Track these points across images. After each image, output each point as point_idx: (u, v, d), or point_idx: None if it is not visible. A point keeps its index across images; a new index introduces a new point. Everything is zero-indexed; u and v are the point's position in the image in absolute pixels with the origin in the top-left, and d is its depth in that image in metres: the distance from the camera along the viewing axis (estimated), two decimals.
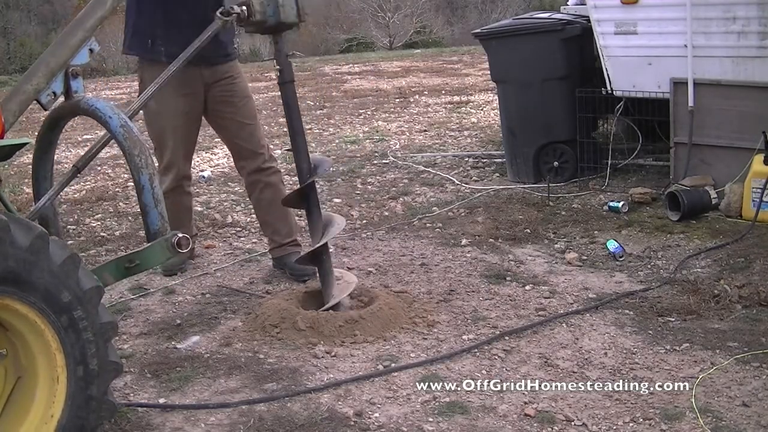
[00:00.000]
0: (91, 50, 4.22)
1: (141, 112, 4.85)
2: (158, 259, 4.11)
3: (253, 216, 7.44)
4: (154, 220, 4.03)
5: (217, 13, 4.68)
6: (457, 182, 8.43)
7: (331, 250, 5.42)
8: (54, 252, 3.16)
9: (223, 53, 5.78)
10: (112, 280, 4.07)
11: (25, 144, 3.90)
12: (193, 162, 9.75)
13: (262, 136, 6.08)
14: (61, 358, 3.22)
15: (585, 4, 7.76)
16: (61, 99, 4.20)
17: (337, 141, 10.95)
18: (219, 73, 5.78)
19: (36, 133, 4.41)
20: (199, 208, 7.69)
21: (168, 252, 4.04)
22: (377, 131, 11.59)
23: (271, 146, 10.26)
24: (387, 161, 9.59)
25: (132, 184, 8.74)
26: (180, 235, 4.04)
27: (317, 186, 5.36)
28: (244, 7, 4.73)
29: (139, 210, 7.42)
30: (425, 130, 11.52)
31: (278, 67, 5.03)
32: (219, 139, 11.15)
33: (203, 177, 8.88)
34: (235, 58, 6.00)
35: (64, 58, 4.10)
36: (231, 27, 5.29)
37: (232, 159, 6.90)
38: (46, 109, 4.17)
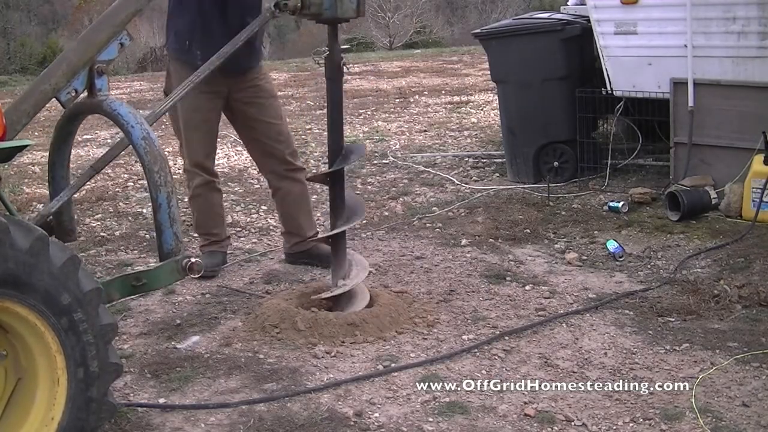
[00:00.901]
0: (121, 44, 4.13)
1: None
2: (167, 280, 4.10)
3: (253, 216, 7.46)
4: (168, 239, 4.01)
5: (269, 5, 4.64)
6: (457, 182, 8.43)
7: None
8: (54, 254, 3.16)
9: (255, 58, 5.82)
10: (118, 296, 4.06)
11: (26, 146, 3.89)
12: None
13: (290, 135, 6.11)
14: (61, 360, 3.22)
15: (585, 4, 7.76)
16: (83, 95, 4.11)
17: None
18: (247, 77, 5.80)
19: (36, 134, 4.40)
20: None
21: (178, 274, 4.03)
22: (377, 131, 11.60)
23: None
24: (387, 161, 9.59)
25: (132, 184, 8.78)
26: (193, 259, 4.03)
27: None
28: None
29: (139, 210, 7.46)
30: (425, 130, 11.53)
31: (324, 58, 4.94)
32: (219, 139, 11.19)
33: None
34: (261, 59, 6.02)
35: (88, 55, 4.00)
36: (262, 30, 5.31)
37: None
38: (65, 108, 4.09)
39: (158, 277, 4.01)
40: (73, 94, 4.02)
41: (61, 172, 4.33)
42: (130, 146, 4.03)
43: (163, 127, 12.55)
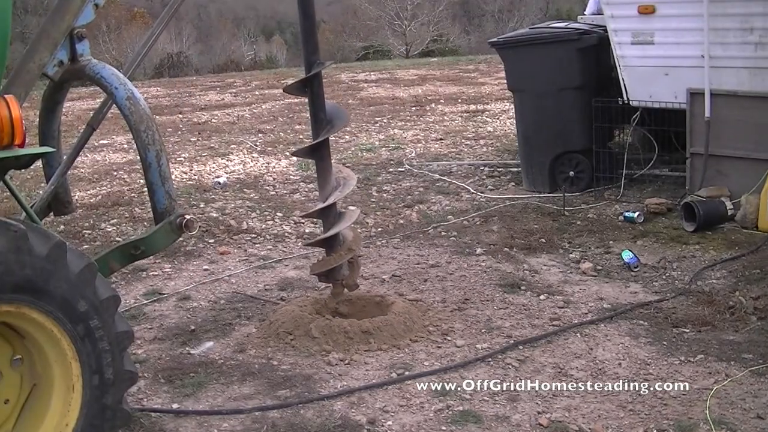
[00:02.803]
0: (96, 5, 4.07)
1: None
2: (164, 243, 4.09)
3: (268, 223, 7.47)
4: (160, 198, 3.99)
5: None
6: (472, 191, 8.43)
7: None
8: (71, 261, 3.16)
9: None
10: (118, 266, 4.07)
11: (45, 153, 3.90)
12: (209, 168, 9.83)
13: None
14: (76, 366, 3.23)
15: (602, 14, 7.75)
16: None
17: (353, 149, 10.97)
18: None
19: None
20: (215, 214, 7.71)
21: (174, 234, 4.01)
22: (393, 139, 11.61)
23: (286, 153, 10.27)
24: (402, 169, 9.60)
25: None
26: (188, 216, 4.02)
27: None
28: None
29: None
30: (441, 139, 11.53)
31: None
32: (235, 145, 11.24)
33: (219, 183, 8.90)
34: None
35: (66, 23, 3.97)
36: None
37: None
38: (54, 81, 4.07)
39: (155, 241, 4.01)
40: (60, 66, 4.00)
41: (51, 144, 4.31)
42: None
43: (179, 133, 12.59)
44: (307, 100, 5.03)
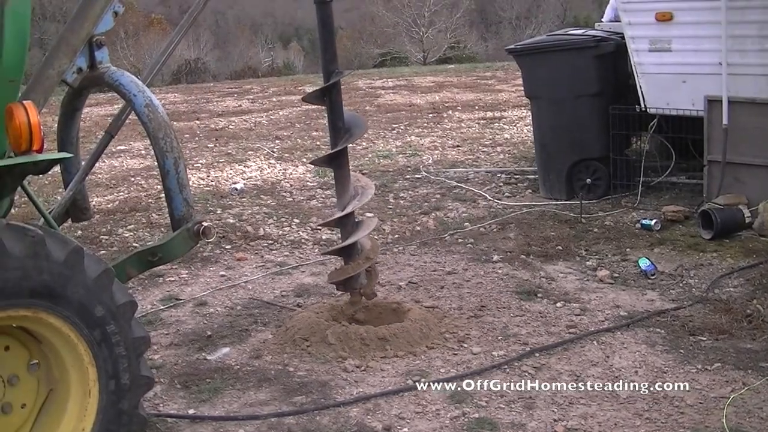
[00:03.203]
0: (115, 13, 4.11)
1: None
2: (181, 250, 4.11)
3: (285, 229, 7.48)
4: (178, 205, 4.02)
5: None
6: (489, 198, 8.42)
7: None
8: (89, 266, 3.18)
9: None
10: (135, 273, 4.09)
11: (63, 159, 3.92)
12: (226, 174, 9.86)
13: None
14: (93, 371, 3.24)
15: (619, 21, 7.74)
16: None
17: (370, 155, 10.96)
18: None
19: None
20: (231, 221, 7.73)
21: (191, 241, 4.03)
22: (410, 146, 11.60)
23: (303, 159, 10.29)
24: (419, 176, 9.59)
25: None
26: (205, 223, 4.03)
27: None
28: None
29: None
30: (458, 146, 11.52)
31: None
32: (252, 152, 11.26)
33: (236, 189, 8.92)
34: None
35: (85, 31, 4.01)
36: None
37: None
38: (73, 88, 4.11)
39: (172, 248, 4.04)
40: (78, 73, 4.05)
41: (69, 150, 4.35)
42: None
43: (197, 139, 12.64)
44: (325, 108, 5.05)
